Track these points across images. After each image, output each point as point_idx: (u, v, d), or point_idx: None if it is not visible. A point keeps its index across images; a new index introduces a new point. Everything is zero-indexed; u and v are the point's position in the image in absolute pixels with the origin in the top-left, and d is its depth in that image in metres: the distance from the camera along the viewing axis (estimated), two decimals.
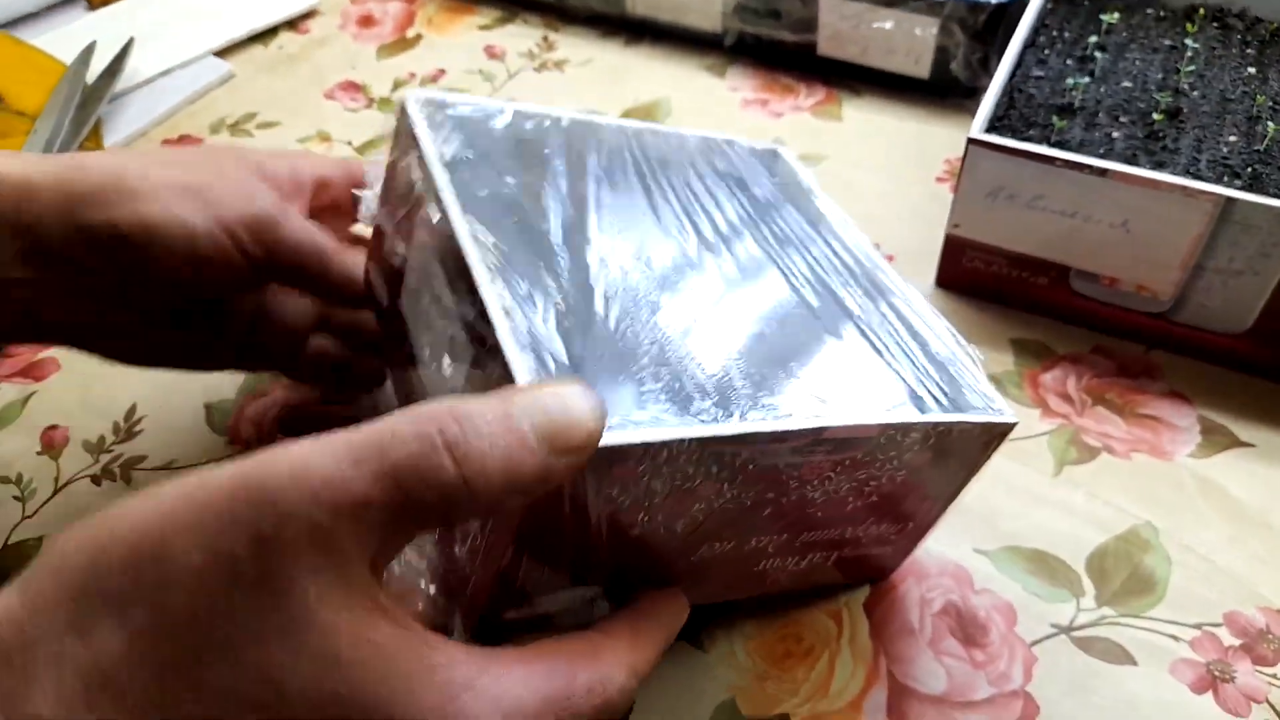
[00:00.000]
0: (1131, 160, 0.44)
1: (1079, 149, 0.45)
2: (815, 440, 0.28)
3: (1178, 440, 0.44)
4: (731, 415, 0.28)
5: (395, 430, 0.21)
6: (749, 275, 0.35)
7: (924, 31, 0.59)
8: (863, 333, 0.34)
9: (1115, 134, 0.46)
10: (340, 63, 0.70)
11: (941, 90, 0.62)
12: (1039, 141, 0.45)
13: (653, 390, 0.27)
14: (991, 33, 0.59)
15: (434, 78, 0.68)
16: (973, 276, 0.50)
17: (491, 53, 0.70)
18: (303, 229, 0.36)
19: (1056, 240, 0.46)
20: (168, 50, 0.71)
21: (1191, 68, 0.49)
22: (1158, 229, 0.43)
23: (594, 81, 0.67)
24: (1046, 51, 0.51)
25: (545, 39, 0.71)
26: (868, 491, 0.32)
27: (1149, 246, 0.44)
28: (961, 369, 0.34)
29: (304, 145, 0.63)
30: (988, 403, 0.33)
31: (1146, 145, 0.46)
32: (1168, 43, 0.51)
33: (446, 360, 0.30)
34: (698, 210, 0.37)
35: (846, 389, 0.31)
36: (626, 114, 0.64)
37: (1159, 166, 0.44)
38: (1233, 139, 0.45)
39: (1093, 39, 0.51)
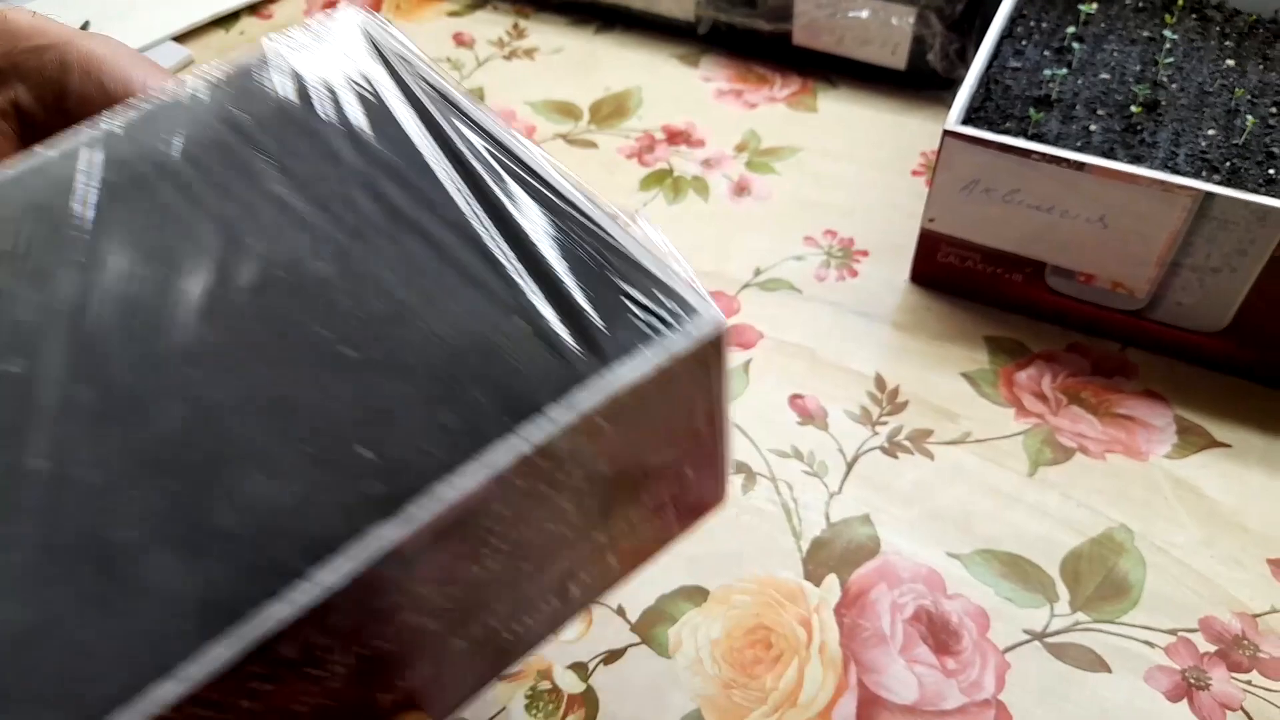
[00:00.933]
0: (1109, 154, 0.43)
1: (1056, 142, 0.44)
2: (407, 557, 0.20)
3: (1153, 440, 0.43)
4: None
5: None
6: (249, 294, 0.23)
7: (900, 21, 0.58)
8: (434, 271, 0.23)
9: (1093, 127, 0.45)
10: None
11: (918, 82, 0.61)
12: (1016, 134, 0.44)
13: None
14: (969, 23, 0.58)
15: None
16: (948, 272, 0.49)
17: (460, 40, 0.68)
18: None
19: (1032, 235, 0.45)
20: (125, 34, 0.69)
21: (1170, 60, 0.48)
22: (1135, 224, 0.42)
23: (565, 70, 0.65)
24: (1024, 42, 0.50)
25: (515, 26, 0.69)
26: (570, 509, 0.23)
27: (1126, 242, 0.43)
28: (621, 267, 0.23)
29: None
30: (661, 313, 0.22)
31: (1124, 138, 0.45)
32: (1146, 34, 0.50)
33: None
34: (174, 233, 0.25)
35: (413, 426, 0.21)
36: (596, 104, 0.62)
37: (1137, 160, 0.43)
38: (1211, 132, 0.45)
39: (1070, 29, 0.50)
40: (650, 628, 0.38)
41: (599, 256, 0.23)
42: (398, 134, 0.26)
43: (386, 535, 0.19)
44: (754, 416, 0.45)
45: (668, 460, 0.26)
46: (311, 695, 0.21)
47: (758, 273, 0.51)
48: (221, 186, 0.25)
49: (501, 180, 0.25)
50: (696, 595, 0.39)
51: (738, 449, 0.43)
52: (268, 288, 0.24)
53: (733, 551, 0.40)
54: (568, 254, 0.23)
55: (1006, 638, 0.37)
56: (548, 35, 0.68)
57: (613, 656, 0.37)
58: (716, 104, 0.62)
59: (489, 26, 0.69)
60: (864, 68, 0.62)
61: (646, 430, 0.24)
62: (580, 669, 0.37)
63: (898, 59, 0.60)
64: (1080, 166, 0.41)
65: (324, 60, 0.28)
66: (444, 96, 0.27)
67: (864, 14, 0.59)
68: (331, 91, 0.27)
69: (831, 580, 0.39)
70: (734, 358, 0.47)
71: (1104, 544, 0.39)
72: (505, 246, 0.24)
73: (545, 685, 0.36)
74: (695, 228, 0.54)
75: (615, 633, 0.38)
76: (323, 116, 0.27)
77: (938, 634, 0.37)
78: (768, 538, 0.40)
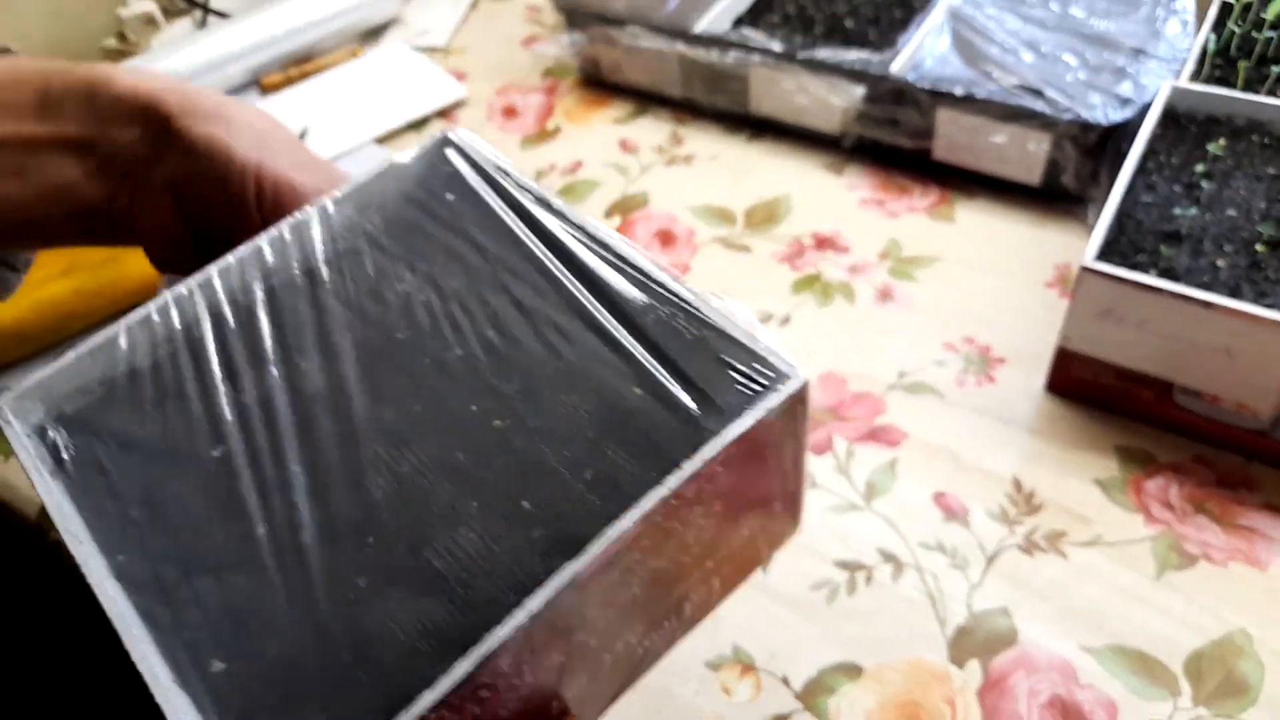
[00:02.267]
0: (1235, 289, 0.48)
1: (1185, 277, 0.49)
2: (573, 591, 0.25)
3: (1273, 551, 0.47)
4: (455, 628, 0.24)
5: None
6: (411, 381, 0.30)
7: (1037, 147, 0.64)
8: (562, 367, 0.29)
9: (1220, 262, 0.50)
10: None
11: (1051, 196, 0.66)
12: (1147, 267, 0.49)
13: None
14: (1101, 149, 0.63)
15: (572, 169, 0.75)
16: (1081, 385, 0.54)
17: (625, 146, 0.77)
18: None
19: (1162, 359, 0.50)
20: (334, 137, 0.80)
21: None
22: (1258, 356, 0.46)
23: (720, 176, 0.73)
24: (1155, 177, 0.55)
25: (674, 134, 0.77)
26: (692, 540, 0.28)
27: (1250, 371, 0.47)
28: (711, 340, 0.28)
29: None
30: (756, 376, 0.27)
31: (1249, 274, 0.49)
32: (1272, 171, 0.55)
33: None
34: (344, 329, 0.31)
35: (566, 493, 0.26)
36: (750, 210, 0.69)
37: (1261, 296, 0.48)
38: None
39: (1199, 167, 0.55)
40: (813, 698, 0.44)
41: (698, 331, 0.28)
42: (504, 233, 0.32)
43: (567, 570, 0.24)
44: (901, 511, 0.51)
45: (763, 496, 0.31)
46: (511, 704, 0.26)
47: (902, 375, 0.57)
48: (366, 289, 0.32)
49: (603, 269, 0.30)
50: (853, 671, 0.45)
51: (888, 541, 0.49)
52: (426, 373, 0.29)
53: (884, 635, 0.46)
54: (671, 331, 0.29)
55: None
56: (704, 142, 0.76)
57: None
58: (860, 212, 0.69)
59: (650, 134, 0.78)
60: (1000, 180, 0.68)
61: (750, 473, 0.29)
62: None
63: (1033, 176, 0.66)
64: (1207, 305, 0.46)
65: (437, 175, 0.34)
66: (539, 199, 0.32)
67: (1001, 139, 0.65)
68: (445, 202, 0.33)
69: (974, 665, 0.44)
70: (882, 455, 0.53)
71: (1225, 646, 0.44)
72: (619, 327, 0.29)
73: None
74: (843, 331, 0.60)
75: (781, 700, 0.44)
76: (441, 223, 0.33)
77: (1070, 719, 0.42)
78: (915, 623, 0.46)
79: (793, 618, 0.47)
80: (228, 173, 0.35)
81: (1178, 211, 0.53)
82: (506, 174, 0.33)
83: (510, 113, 0.82)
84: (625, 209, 0.71)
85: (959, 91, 0.64)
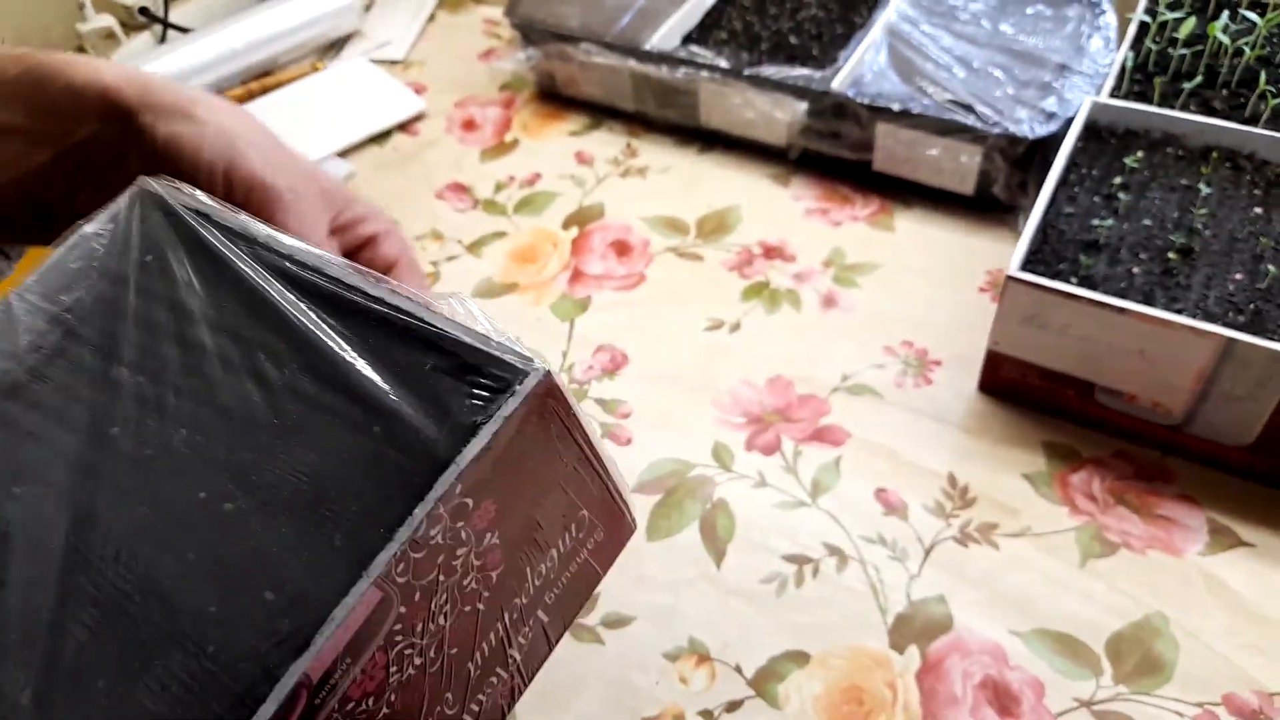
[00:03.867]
0: (1149, 295, 0.52)
1: (1102, 284, 0.53)
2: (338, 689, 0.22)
3: (1188, 539, 0.51)
4: None
5: None
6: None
7: (969, 159, 0.67)
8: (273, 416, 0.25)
9: (1135, 270, 0.54)
10: (447, 164, 0.80)
11: (984, 206, 0.70)
12: (1068, 277, 0.53)
13: None
14: (1029, 160, 0.66)
15: (531, 180, 0.77)
16: (1010, 385, 0.57)
17: (581, 158, 0.79)
18: (297, 227, 0.34)
19: (1082, 361, 0.53)
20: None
21: (1204, 209, 0.57)
22: (1169, 358, 0.50)
23: (673, 188, 0.76)
24: (1076, 189, 0.59)
25: (628, 146, 0.80)
26: (482, 579, 0.25)
27: (1162, 371, 0.51)
28: (443, 351, 0.25)
29: (420, 242, 0.72)
30: (492, 380, 0.24)
31: (1163, 281, 0.53)
32: (1184, 182, 0.59)
33: None
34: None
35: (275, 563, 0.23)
36: (701, 220, 0.72)
37: (1173, 302, 0.51)
38: (1239, 277, 0.53)
39: (1118, 179, 0.59)
40: (763, 684, 0.47)
41: (425, 346, 0.25)
42: (210, 287, 0.28)
43: (299, 669, 0.21)
44: (844, 506, 0.53)
45: (559, 508, 0.27)
46: None
47: (845, 378, 0.60)
48: (66, 389, 0.28)
49: (311, 303, 0.26)
50: (800, 658, 0.47)
51: (833, 535, 0.52)
52: (147, 469, 0.25)
53: (830, 623, 0.49)
54: (395, 353, 0.25)
55: (1059, 704, 0.45)
56: (657, 155, 0.79)
57: (733, 706, 0.46)
58: (805, 221, 0.72)
59: (606, 146, 0.80)
60: (936, 190, 0.71)
61: (518, 489, 0.25)
62: (707, 715, 0.46)
63: (966, 186, 0.69)
64: (1122, 311, 0.50)
65: (131, 237, 0.30)
66: (244, 238, 0.29)
67: (936, 151, 0.68)
68: (143, 266, 0.29)
69: (913, 650, 0.47)
70: (826, 454, 0.56)
71: (1143, 628, 0.47)
72: (345, 361, 0.25)
73: None
74: (791, 336, 0.63)
75: (734, 687, 0.47)
76: (141, 292, 0.29)
77: (1001, 699, 0.45)
78: (859, 612, 0.49)
79: (745, 609, 0.49)
80: (195, 177, 0.33)
81: (1097, 222, 0.56)
82: (207, 218, 0.29)
83: (469, 125, 0.84)
84: (582, 220, 0.73)
85: (896, 107, 0.68)
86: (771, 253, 0.69)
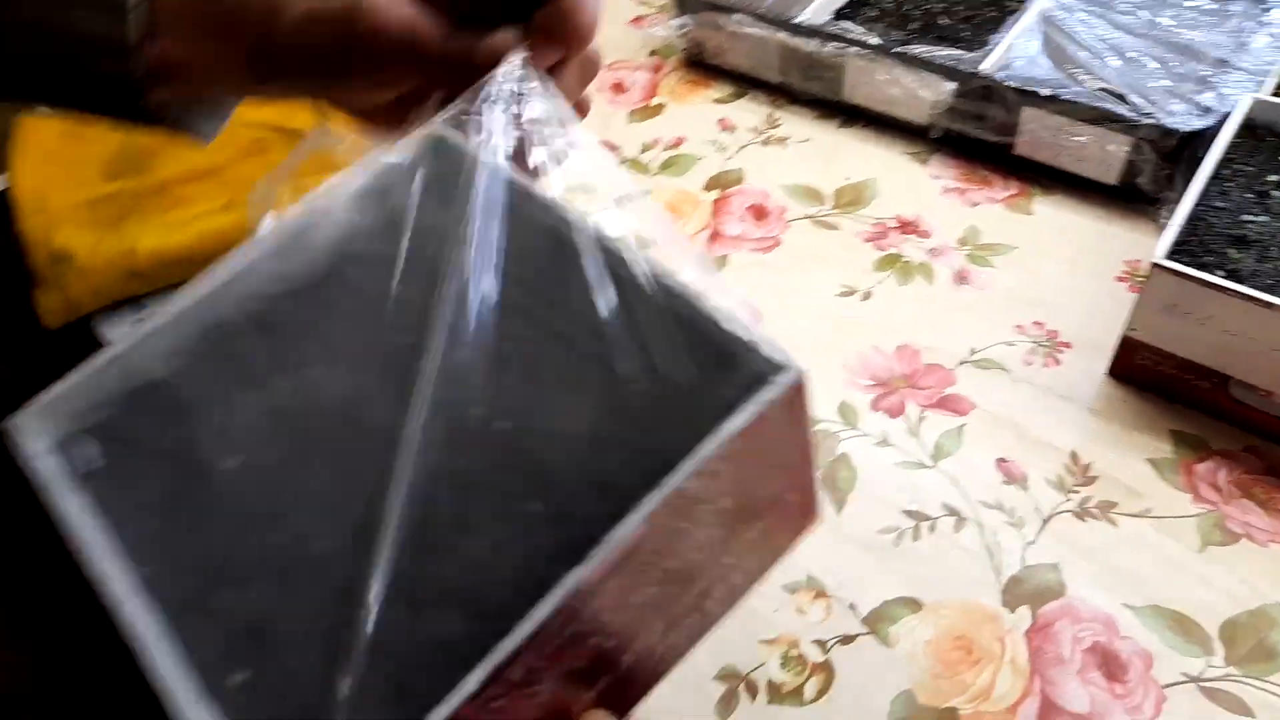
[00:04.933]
0: None
1: (1250, 279, 0.53)
2: (585, 595, 0.25)
3: None
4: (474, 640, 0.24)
5: None
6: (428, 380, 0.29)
7: (1116, 148, 0.67)
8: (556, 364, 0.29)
9: None
10: (596, 124, 0.83)
11: (1127, 196, 0.70)
12: (1215, 269, 0.53)
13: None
14: (1179, 154, 0.66)
15: (675, 144, 0.80)
16: (1142, 372, 0.58)
17: (724, 125, 0.82)
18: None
19: (1221, 354, 0.54)
20: None
21: None
22: None
23: (811, 158, 0.78)
24: (1228, 184, 0.59)
25: (770, 116, 0.82)
26: (703, 539, 0.29)
27: None
28: (708, 335, 0.28)
29: (571, 194, 0.76)
30: (754, 370, 0.27)
31: None
32: None
33: None
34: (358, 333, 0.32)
35: (570, 491, 0.27)
36: (838, 191, 0.74)
37: None
38: None
39: (1272, 176, 0.59)
40: (876, 623, 0.49)
41: (695, 326, 0.28)
42: (500, 231, 0.30)
43: (573, 577, 0.24)
44: (965, 472, 0.55)
45: (772, 490, 0.31)
46: (529, 709, 0.26)
47: (973, 352, 0.62)
48: (371, 294, 0.31)
49: (600, 265, 0.29)
50: (913, 605, 0.50)
51: (951, 497, 0.54)
52: (429, 379, 0.28)
53: (943, 576, 0.51)
54: (668, 326, 0.28)
55: (1167, 676, 0.46)
56: (798, 126, 0.81)
57: (846, 640, 0.49)
58: (942, 199, 0.73)
59: (748, 115, 0.83)
60: (1077, 177, 0.71)
61: (754, 467, 0.29)
62: (821, 645, 0.49)
63: (1110, 176, 0.70)
64: (1269, 306, 0.50)
65: (432, 173, 0.33)
66: (534, 195, 0.31)
67: (1083, 139, 0.68)
68: (439, 199, 0.32)
69: (1024, 610, 0.49)
70: (950, 421, 0.58)
71: (1259, 616, 0.48)
72: (618, 323, 0.28)
73: (794, 652, 0.48)
74: (921, 307, 0.65)
75: (848, 623, 0.49)
76: (434, 222, 0.31)
77: (1109, 664, 0.47)
78: (973, 571, 0.51)
79: (862, 555, 0.52)
80: None
81: (1248, 218, 0.56)
82: (499, 170, 0.31)
83: (618, 88, 0.87)
84: (722, 184, 0.76)
85: (1045, 92, 0.68)
86: (907, 227, 0.71)
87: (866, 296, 0.66)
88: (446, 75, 0.34)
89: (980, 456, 0.56)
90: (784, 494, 0.32)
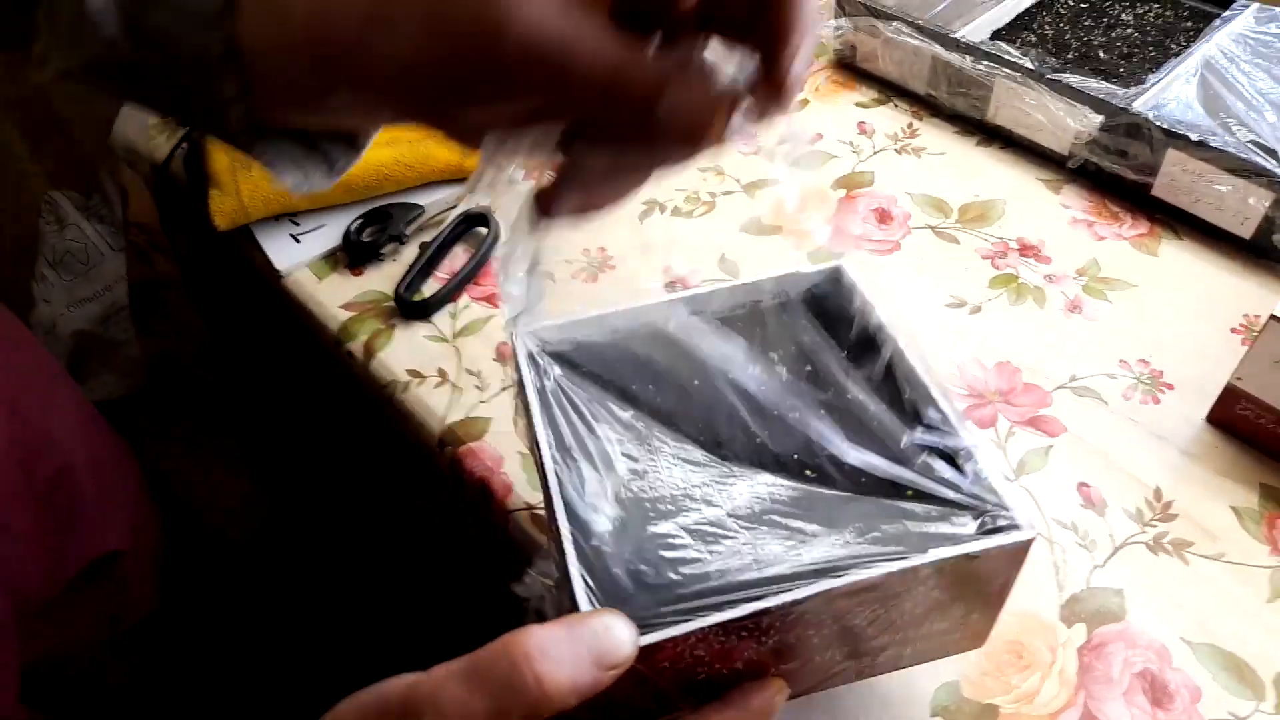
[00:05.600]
0: None
1: None
2: (827, 598, 0.34)
3: None
4: (754, 589, 0.34)
5: (494, 658, 0.29)
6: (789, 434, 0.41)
7: (1257, 202, 0.67)
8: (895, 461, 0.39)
9: None
10: None
11: (1257, 251, 0.70)
12: None
13: (687, 575, 0.35)
14: None
15: (813, 139, 0.83)
16: (1241, 423, 0.58)
17: (862, 128, 0.84)
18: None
19: None
20: None
21: None
22: None
23: (945, 171, 0.79)
24: None
25: (909, 126, 0.84)
26: (908, 609, 0.37)
27: None
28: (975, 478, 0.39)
29: (702, 174, 0.80)
30: (1003, 519, 0.37)
31: None
32: None
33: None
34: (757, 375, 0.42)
35: (877, 535, 0.37)
36: (965, 206, 0.76)
37: None
38: None
39: None
40: None
41: (969, 471, 0.39)
42: (846, 353, 0.45)
43: (829, 583, 0.34)
44: (1045, 490, 0.57)
45: (970, 605, 0.40)
46: (747, 651, 0.35)
47: (1073, 379, 0.63)
48: (759, 350, 0.45)
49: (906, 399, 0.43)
50: None
51: (1027, 509, 0.56)
52: (779, 421, 0.41)
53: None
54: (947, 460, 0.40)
55: (1213, 713, 0.47)
56: (935, 138, 0.82)
57: None
58: (1068, 229, 0.74)
59: (888, 121, 0.85)
60: (1209, 225, 0.71)
61: (970, 583, 0.38)
62: None
63: (1245, 229, 0.69)
64: None
65: (824, 289, 0.49)
66: (881, 337, 0.45)
67: (1224, 188, 0.68)
68: (817, 312, 0.47)
69: (1080, 627, 0.51)
70: (1039, 441, 0.60)
71: None
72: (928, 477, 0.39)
73: None
74: (1028, 329, 0.66)
75: None
76: (809, 325, 0.46)
77: (1156, 691, 0.48)
78: (1035, 582, 0.53)
79: None
80: None
81: None
82: (865, 308, 0.45)
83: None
84: (851, 184, 0.79)
85: (1195, 136, 0.68)
86: (1028, 250, 0.72)
87: (976, 310, 0.68)
88: (601, 105, 0.29)
89: (1063, 478, 0.58)
90: (972, 613, 0.41)
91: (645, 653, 0.32)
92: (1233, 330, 0.66)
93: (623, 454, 0.39)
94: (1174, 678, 0.49)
